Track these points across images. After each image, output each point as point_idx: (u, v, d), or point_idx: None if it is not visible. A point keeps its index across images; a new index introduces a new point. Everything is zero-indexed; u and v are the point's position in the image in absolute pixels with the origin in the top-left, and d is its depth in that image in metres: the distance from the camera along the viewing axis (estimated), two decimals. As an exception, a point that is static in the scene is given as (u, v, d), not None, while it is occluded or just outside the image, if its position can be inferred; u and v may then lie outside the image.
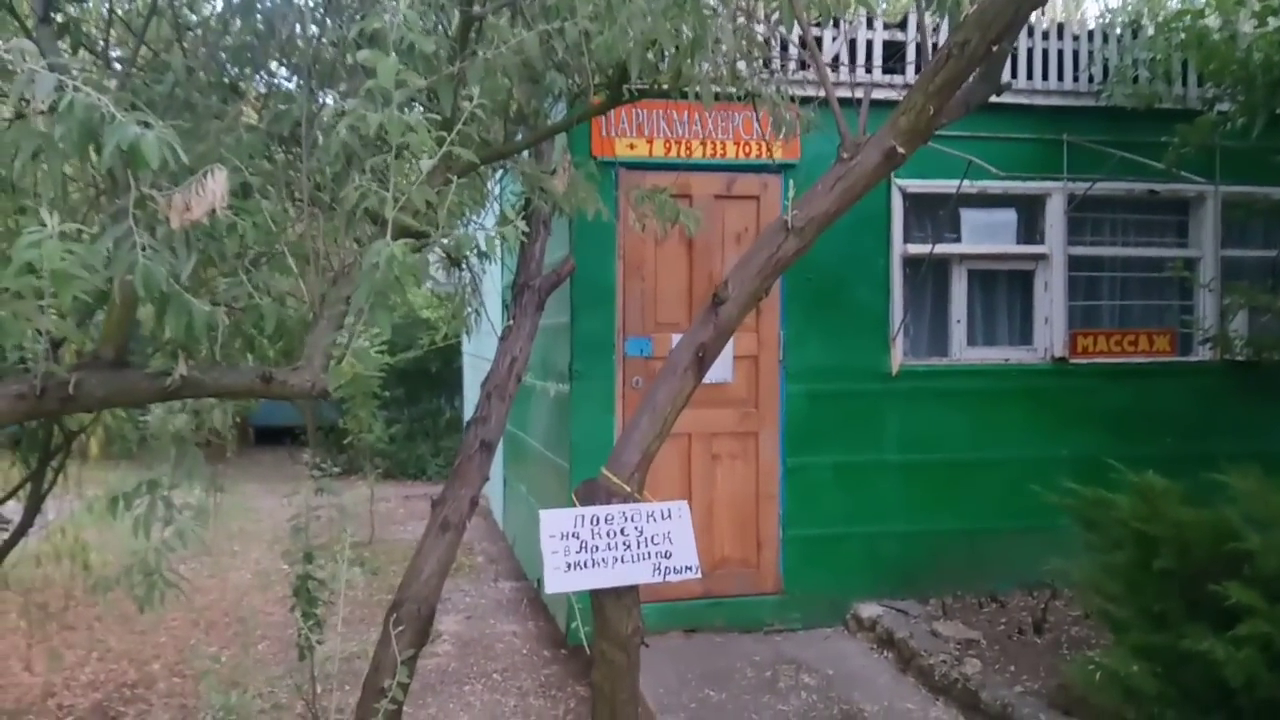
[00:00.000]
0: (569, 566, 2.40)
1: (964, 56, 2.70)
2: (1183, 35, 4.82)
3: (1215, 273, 5.78)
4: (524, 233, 4.29)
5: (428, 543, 3.44)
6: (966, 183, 5.40)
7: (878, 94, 5.35)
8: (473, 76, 2.40)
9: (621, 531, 2.36)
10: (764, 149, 5.23)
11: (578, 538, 2.36)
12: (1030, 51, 5.53)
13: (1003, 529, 5.45)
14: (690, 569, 2.54)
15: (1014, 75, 5.50)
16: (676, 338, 5.16)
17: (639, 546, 2.38)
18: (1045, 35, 5.55)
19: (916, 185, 5.42)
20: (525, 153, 4.02)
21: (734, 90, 3.20)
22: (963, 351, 5.59)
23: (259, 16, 2.65)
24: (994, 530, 5.47)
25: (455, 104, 2.31)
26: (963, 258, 5.59)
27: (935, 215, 5.55)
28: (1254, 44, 4.51)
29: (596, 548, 2.33)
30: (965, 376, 5.56)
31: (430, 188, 2.22)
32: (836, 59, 5.31)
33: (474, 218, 4.40)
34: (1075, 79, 5.58)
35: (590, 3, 2.25)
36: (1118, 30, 5.59)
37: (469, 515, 3.48)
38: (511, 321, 4.06)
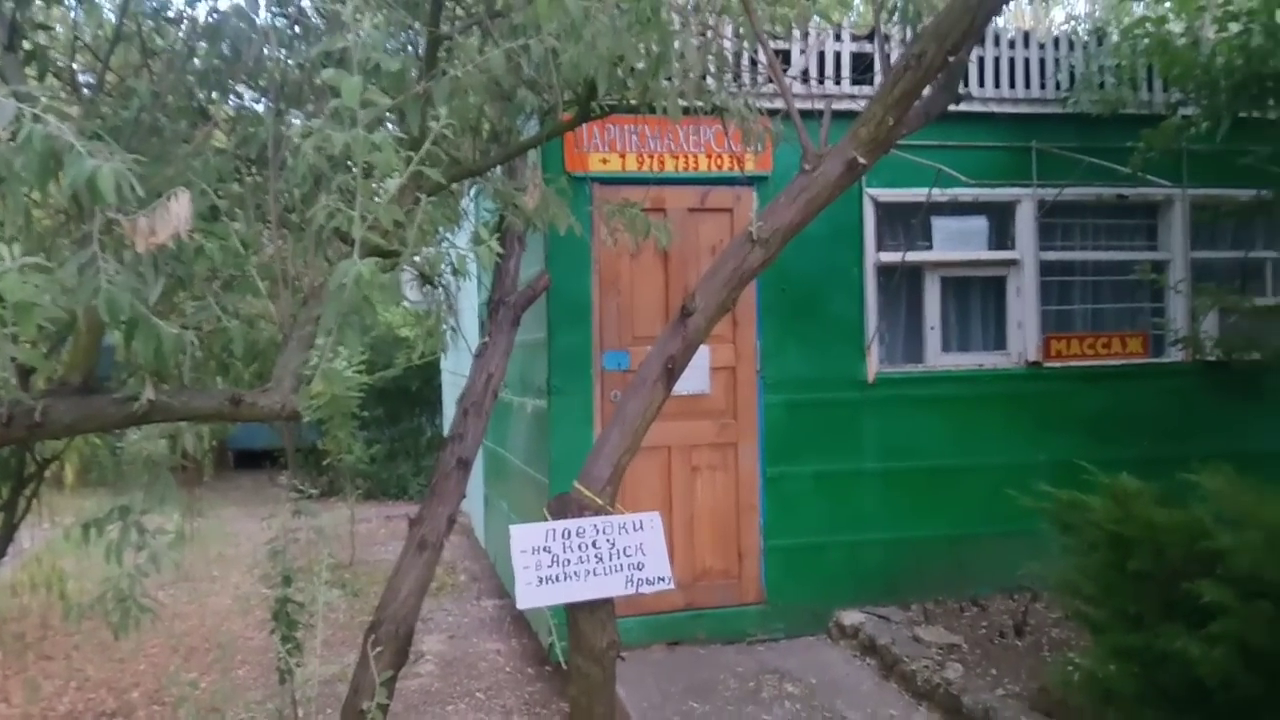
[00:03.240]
0: (540, 581, 2.40)
1: (921, 68, 2.74)
2: (1146, 41, 4.90)
3: (1185, 275, 5.86)
4: (499, 250, 4.34)
5: (405, 562, 3.43)
6: (937, 191, 5.47)
7: (849, 105, 5.44)
8: (440, 95, 2.41)
9: (593, 544, 2.37)
10: (736, 162, 5.27)
11: (549, 552, 2.36)
12: (997, 60, 5.61)
13: (983, 534, 5.48)
14: (663, 579, 2.54)
15: (982, 84, 5.58)
16: (654, 351, 5.23)
17: (611, 559, 2.38)
18: (1012, 44, 5.63)
19: (888, 195, 5.48)
20: (498, 170, 4.04)
21: (701, 104, 3.22)
22: (937, 358, 5.64)
23: (226, 41, 2.65)
24: (974, 535, 5.50)
25: (423, 123, 2.32)
26: (935, 265, 5.64)
27: (908, 224, 5.60)
28: (1215, 49, 4.59)
29: (568, 561, 2.33)
30: (941, 383, 5.60)
31: (400, 206, 2.23)
32: (806, 72, 5.36)
33: (448, 235, 4.41)
34: (1042, 86, 5.66)
35: (556, 20, 2.26)
36: (1083, 37, 5.68)
37: (446, 534, 3.48)
38: (487, 338, 4.07)
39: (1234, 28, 4.30)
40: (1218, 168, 5.62)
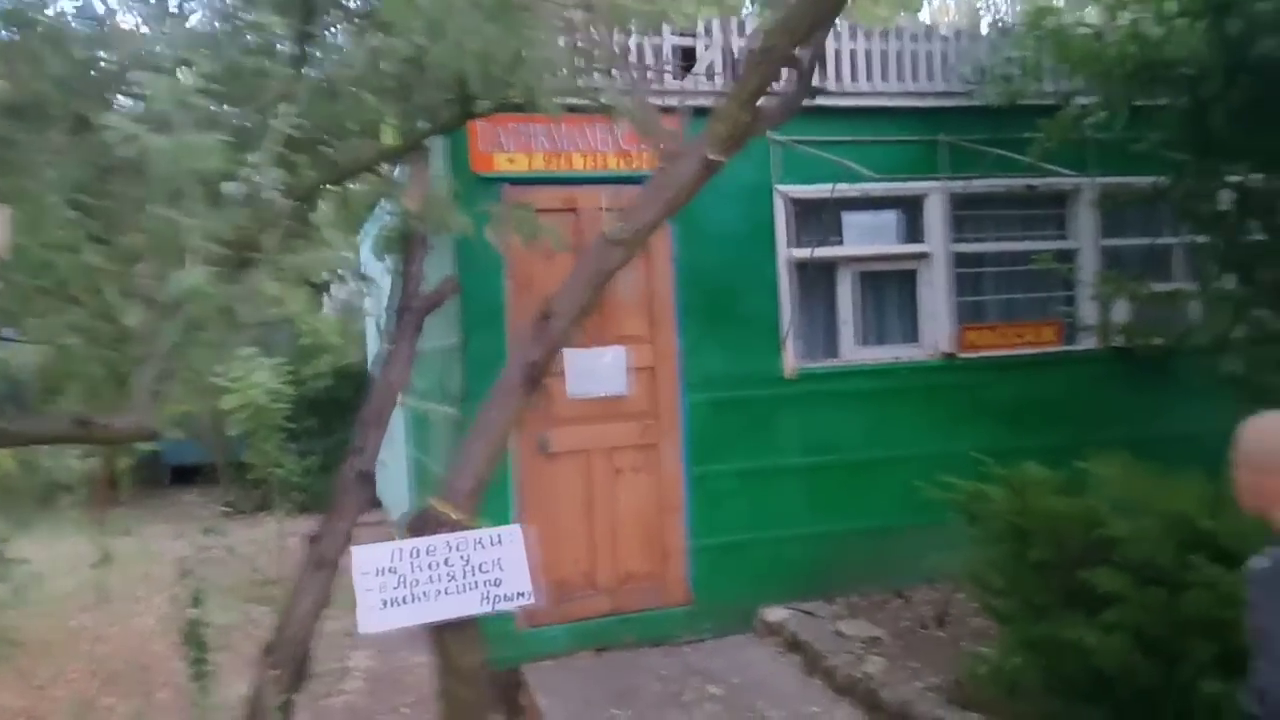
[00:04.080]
0: (385, 604, 2.29)
1: (771, 62, 2.71)
2: (1041, 32, 4.95)
3: (1095, 263, 5.96)
4: (401, 254, 4.24)
5: (302, 581, 3.31)
6: (846, 186, 5.49)
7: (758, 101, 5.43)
8: (303, 96, 2.32)
9: (445, 562, 2.28)
10: (648, 161, 5.23)
11: (395, 573, 2.27)
12: (900, 54, 5.65)
13: (904, 525, 5.50)
14: (524, 595, 2.46)
15: (886, 78, 5.62)
16: (570, 353, 5.16)
17: (465, 576, 2.30)
18: (915, 38, 5.68)
19: (799, 191, 5.48)
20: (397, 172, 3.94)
21: (588, 102, 3.17)
22: (853, 352, 5.66)
23: (76, 46, 2.53)
24: (896, 527, 5.52)
25: (269, 126, 2.21)
26: (848, 260, 5.66)
27: (820, 219, 5.61)
28: (1106, 36, 4.65)
29: (416, 581, 2.24)
30: (857, 376, 5.62)
31: (262, 212, 2.13)
32: (711, 67, 5.33)
33: (347, 239, 4.30)
34: (947, 79, 5.71)
35: (412, 19, 2.19)
36: (985, 30, 5.74)
37: (343, 549, 3.36)
38: (390, 346, 3.96)
39: (1125, 16, 4.36)
40: (1124, 157, 5.71)
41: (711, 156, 2.84)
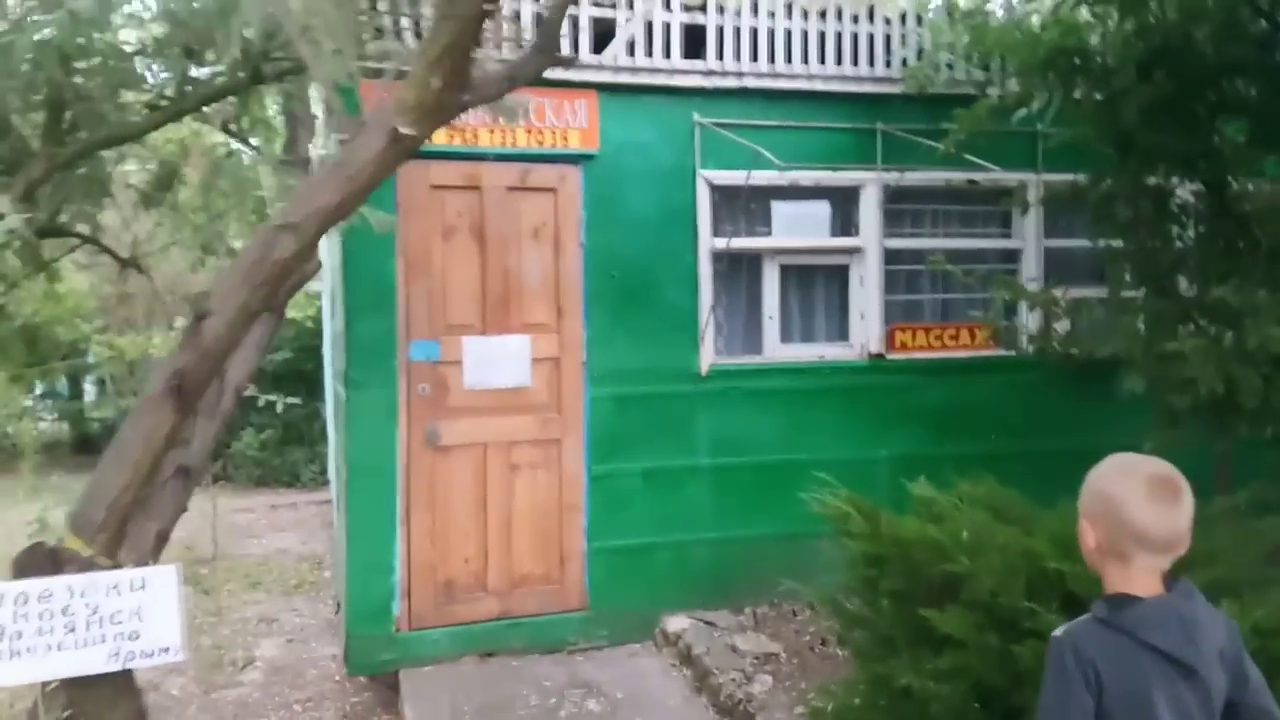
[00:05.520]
0: None
1: (458, 18, 2.35)
2: (963, 19, 4.63)
3: (1038, 264, 5.67)
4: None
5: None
6: (776, 174, 5.17)
7: (681, 80, 5.12)
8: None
9: (64, 610, 1.95)
10: (560, 138, 4.93)
11: None
12: (840, 36, 5.32)
13: (820, 533, 5.14)
14: (169, 650, 2.07)
15: (823, 61, 5.29)
16: (468, 340, 4.87)
17: (90, 628, 1.97)
18: (855, 19, 5.34)
19: (724, 177, 5.16)
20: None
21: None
22: (776, 349, 5.36)
23: None
24: (811, 534, 5.12)
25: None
26: (775, 252, 5.35)
27: (747, 208, 5.30)
28: (1023, 25, 4.32)
29: (19, 634, 1.91)
30: (779, 375, 5.33)
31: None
32: (632, 44, 5.00)
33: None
34: (888, 64, 5.38)
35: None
36: (929, 14, 5.40)
37: (156, 552, 3.09)
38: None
39: (1047, 2, 4.04)
40: (1075, 153, 5.39)
41: (402, 130, 2.47)
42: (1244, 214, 3.54)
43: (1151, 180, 3.81)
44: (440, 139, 4.74)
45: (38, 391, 12.73)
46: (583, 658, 4.87)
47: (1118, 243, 4.07)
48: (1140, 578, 1.71)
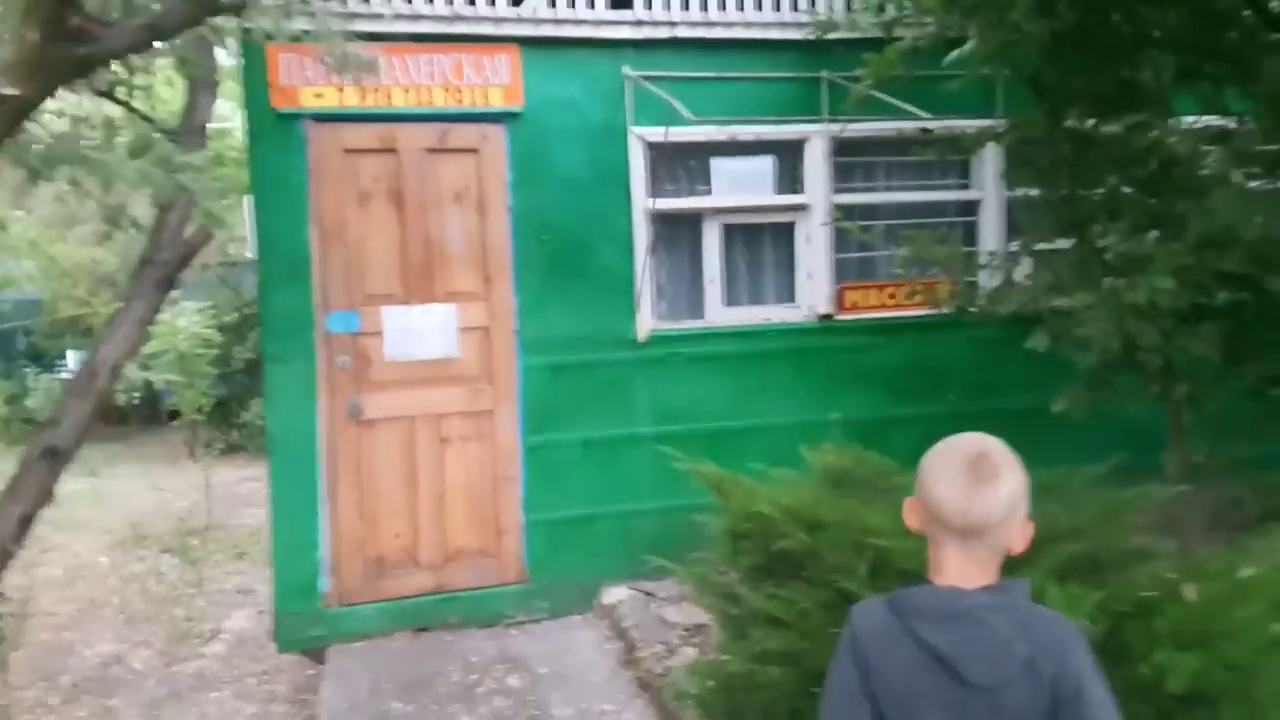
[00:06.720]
0: None
1: None
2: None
3: (999, 215, 5.39)
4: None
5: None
6: (715, 129, 4.95)
7: (607, 32, 4.89)
8: None
9: None
10: (480, 96, 4.73)
11: None
12: (779, -21, 5.04)
13: (766, 501, 5.07)
14: None
15: (760, 7, 5.02)
16: (389, 310, 4.73)
17: None
18: (795, -39, 5.06)
19: (658, 134, 4.93)
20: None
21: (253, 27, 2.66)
22: (719, 313, 5.16)
23: None
24: (758, 503, 5.08)
25: None
26: (715, 211, 5.13)
27: (685, 166, 5.08)
28: None
29: None
30: (723, 339, 5.14)
31: None
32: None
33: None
34: (830, 9, 5.09)
35: None
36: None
37: (20, 536, 3.00)
38: (120, 305, 3.55)
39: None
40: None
41: (4, 90, 2.25)
42: (1166, 158, 3.27)
43: (1069, 123, 3.53)
44: (351, 100, 4.59)
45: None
46: (518, 631, 4.76)
47: (1035, 191, 3.81)
48: (948, 562, 1.53)
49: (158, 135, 4.09)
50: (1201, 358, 2.99)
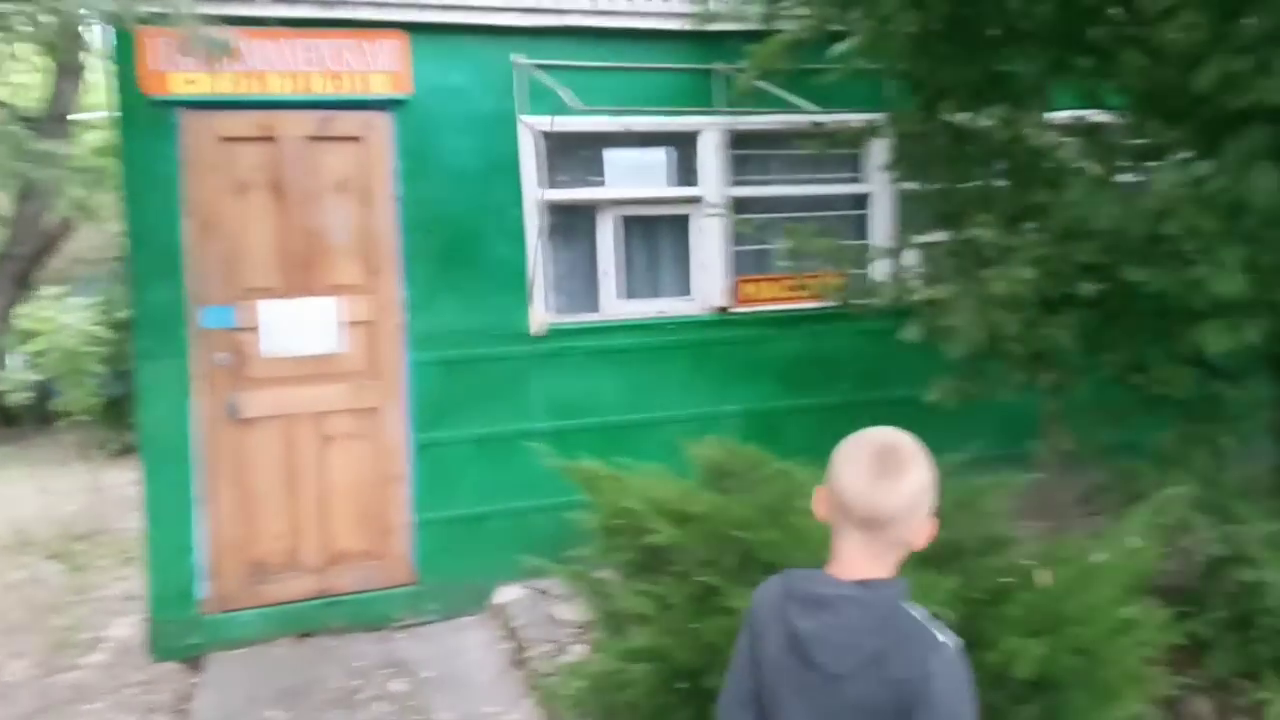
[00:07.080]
0: None
1: None
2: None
3: (890, 209, 5.45)
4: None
5: None
6: (608, 120, 4.89)
7: (498, 19, 4.79)
8: None
9: None
10: (362, 83, 4.58)
11: None
12: (666, -33, 5.01)
13: (663, 495, 5.03)
14: None
15: (649, -4, 4.98)
16: (266, 305, 4.55)
17: None
18: (688, -49, 5.02)
19: (547, 123, 4.85)
20: None
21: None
22: (614, 306, 5.10)
23: None
24: (654, 497, 5.04)
25: None
26: (609, 203, 5.07)
27: (579, 157, 5.01)
28: None
29: None
30: (618, 332, 5.08)
31: None
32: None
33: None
34: None
35: None
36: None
37: None
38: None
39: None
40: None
41: None
42: (1032, 151, 3.33)
43: (944, 116, 3.57)
44: (226, 86, 4.40)
45: None
46: (405, 635, 4.64)
47: (913, 185, 3.85)
48: (844, 551, 1.52)
49: (13, 126, 3.85)
50: (1065, 347, 3.05)
